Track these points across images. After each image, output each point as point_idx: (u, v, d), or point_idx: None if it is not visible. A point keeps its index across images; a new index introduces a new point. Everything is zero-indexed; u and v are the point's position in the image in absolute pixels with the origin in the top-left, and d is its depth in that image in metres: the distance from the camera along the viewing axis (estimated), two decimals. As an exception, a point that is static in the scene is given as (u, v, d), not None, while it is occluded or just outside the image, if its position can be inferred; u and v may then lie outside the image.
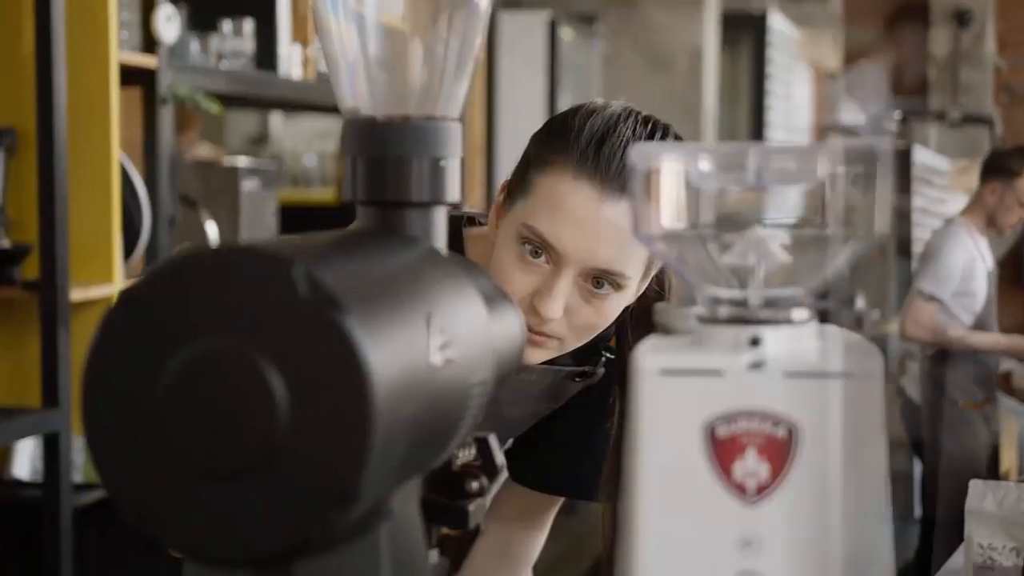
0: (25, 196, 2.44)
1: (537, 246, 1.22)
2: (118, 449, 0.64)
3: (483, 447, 0.88)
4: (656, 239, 0.72)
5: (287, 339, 0.62)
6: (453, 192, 0.84)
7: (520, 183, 1.26)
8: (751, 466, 0.68)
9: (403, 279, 0.72)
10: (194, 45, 2.95)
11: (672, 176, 0.72)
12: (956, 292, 4.28)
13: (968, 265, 4.27)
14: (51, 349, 2.34)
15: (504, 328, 0.87)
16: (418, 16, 0.83)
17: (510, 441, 1.45)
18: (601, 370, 1.40)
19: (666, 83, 5.53)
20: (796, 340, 0.71)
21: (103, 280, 2.52)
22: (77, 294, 2.44)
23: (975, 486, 1.94)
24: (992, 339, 4.42)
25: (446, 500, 0.80)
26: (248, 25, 3.05)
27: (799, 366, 0.69)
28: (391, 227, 0.82)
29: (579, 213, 1.20)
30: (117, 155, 2.53)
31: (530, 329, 1.23)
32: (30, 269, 2.41)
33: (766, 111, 7.59)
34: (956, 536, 4.79)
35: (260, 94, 3.11)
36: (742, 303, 0.72)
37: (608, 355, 1.39)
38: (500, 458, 0.85)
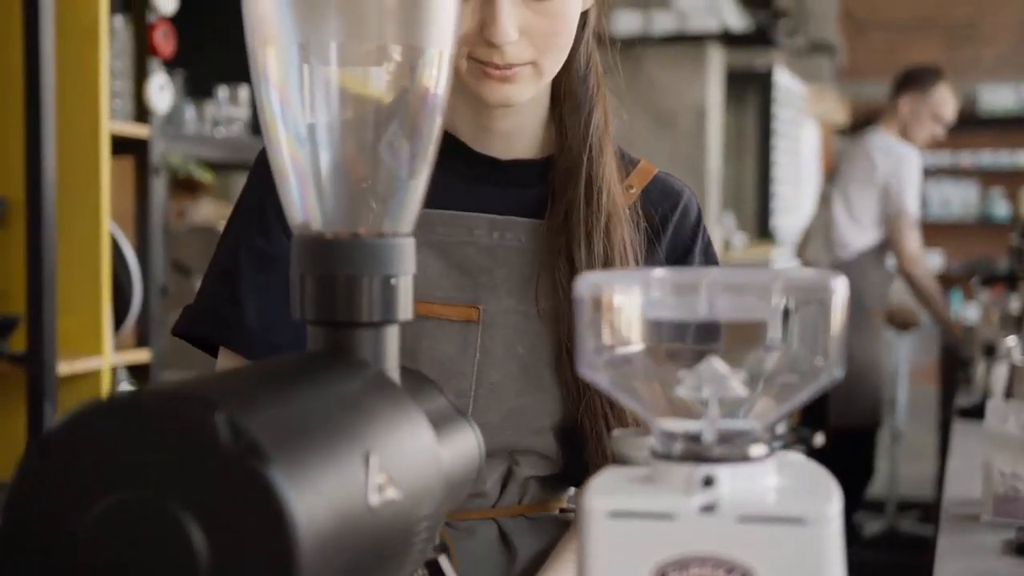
0: (13, 267, 2.42)
1: None
2: (29, 607, 0.61)
3: (434, 570, 0.85)
4: (603, 370, 0.69)
5: (208, 490, 0.59)
6: (406, 310, 0.81)
7: None
8: (701, 620, 0.65)
9: (341, 415, 0.69)
10: (189, 111, 2.95)
11: (620, 306, 0.69)
12: None
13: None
14: (38, 425, 2.31)
15: (457, 450, 0.84)
16: (367, 131, 0.81)
17: None
18: None
19: (671, 141, 5.52)
20: (752, 479, 0.68)
21: (92, 353, 2.50)
22: (65, 367, 2.41)
23: (994, 405, 1.75)
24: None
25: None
26: (243, 91, 3.05)
27: (754, 509, 0.66)
28: (340, 348, 0.80)
29: None
30: (107, 225, 2.51)
31: (495, 66, 1.16)
32: (17, 342, 2.39)
33: (772, 167, 7.57)
34: (850, 451, 4.73)
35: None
36: (696, 437, 0.69)
37: None
38: (451, 578, 0.81)
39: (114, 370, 2.65)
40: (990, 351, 3.26)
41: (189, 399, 0.60)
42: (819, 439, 3.13)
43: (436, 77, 0.81)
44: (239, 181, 3.58)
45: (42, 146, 2.36)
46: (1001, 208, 10.26)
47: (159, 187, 2.67)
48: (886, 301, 4.64)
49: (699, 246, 1.30)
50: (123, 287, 2.57)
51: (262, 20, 0.79)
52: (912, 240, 4.39)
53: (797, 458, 0.77)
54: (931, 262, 10.34)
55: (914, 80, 4.60)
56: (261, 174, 1.24)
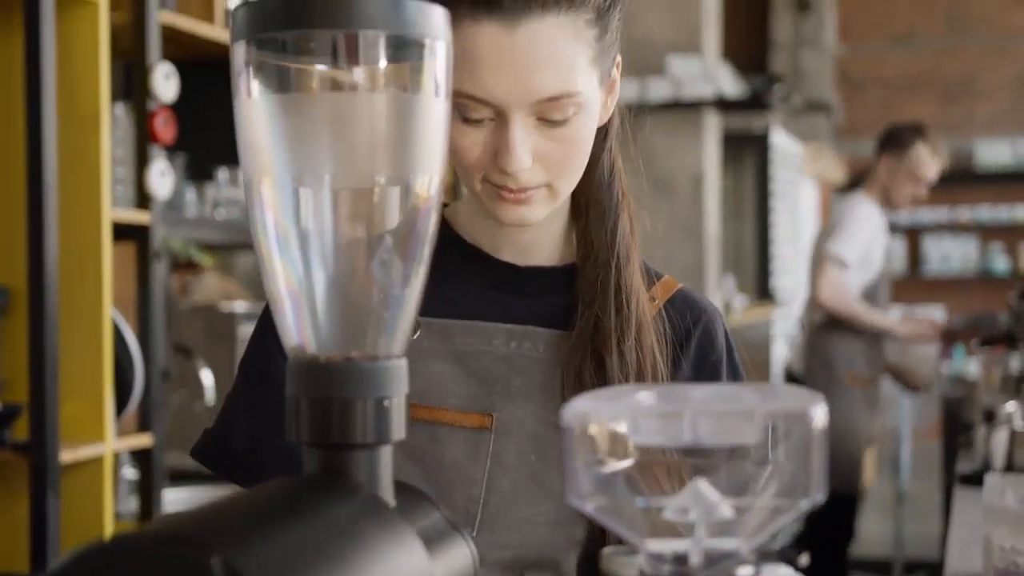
0: (16, 355, 2.44)
1: (472, 108, 1.13)
2: None
3: None
4: (590, 496, 0.71)
5: (205, 631, 0.61)
6: (399, 430, 0.83)
7: None
8: None
9: (334, 545, 0.71)
10: (190, 194, 2.98)
11: (607, 433, 0.71)
12: (859, 261, 4.36)
13: (872, 235, 4.38)
14: (40, 514, 2.32)
15: (450, 567, 0.85)
16: (360, 257, 0.83)
17: None
18: None
19: (669, 207, 5.55)
20: (739, 601, 0.69)
21: (95, 439, 2.51)
22: (68, 455, 2.42)
23: (992, 480, 1.76)
24: (892, 321, 4.48)
25: None
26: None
27: (741, 632, 0.67)
28: (335, 469, 0.81)
29: (491, 54, 1.10)
30: (109, 312, 2.53)
31: (510, 190, 1.15)
32: (19, 429, 2.41)
33: (771, 227, 7.61)
34: (828, 515, 4.68)
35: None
36: (684, 559, 0.71)
37: None
38: None
39: (116, 456, 2.66)
40: (989, 417, 3.26)
41: (185, 542, 0.62)
42: (804, 559, 3.12)
43: (427, 201, 0.84)
44: (240, 259, 3.61)
45: (44, 235, 2.39)
46: (1001, 263, 10.30)
47: (160, 272, 2.70)
48: (868, 364, 4.56)
49: (725, 367, 1.29)
50: (125, 372, 2.59)
51: (256, 152, 0.81)
52: (827, 276, 4.35)
53: (785, 573, 0.79)
54: (932, 317, 10.33)
55: (892, 140, 4.59)
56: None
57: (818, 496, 0.70)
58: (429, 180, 0.83)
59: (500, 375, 1.21)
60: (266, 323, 1.27)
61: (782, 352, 7.67)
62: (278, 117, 0.81)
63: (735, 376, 1.30)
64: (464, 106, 1.13)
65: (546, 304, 1.26)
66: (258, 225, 0.83)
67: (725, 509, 0.70)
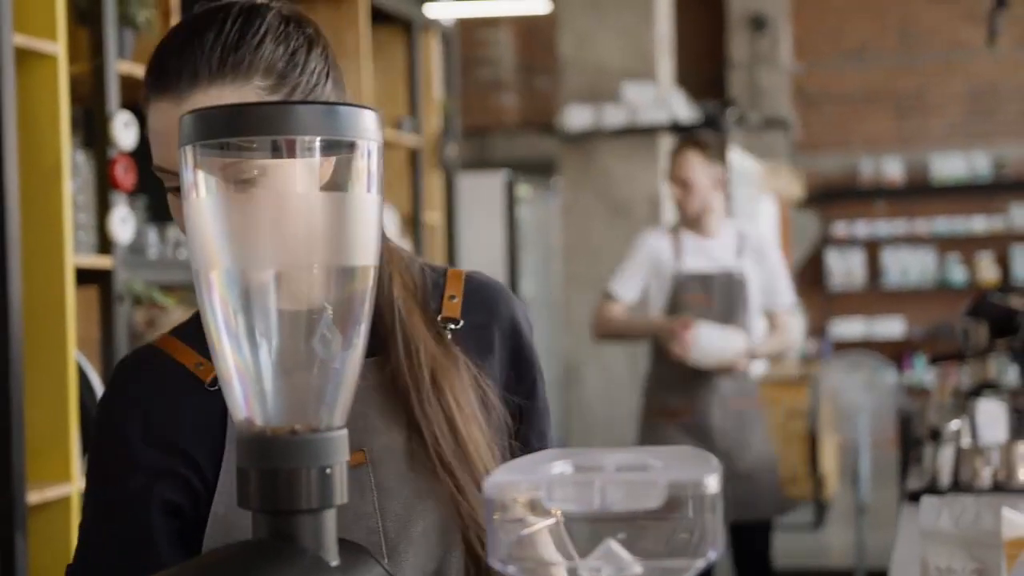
0: (-18, 400, 2.49)
1: (168, 179, 1.20)
2: None
3: None
4: (511, 560, 0.78)
5: None
6: (341, 495, 0.90)
7: None
8: None
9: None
10: (152, 236, 3.04)
11: (524, 502, 0.78)
12: (644, 291, 4.15)
13: (652, 265, 4.11)
14: (8, 555, 2.37)
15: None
16: (300, 338, 0.91)
17: None
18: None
19: (626, 229, 5.65)
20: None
21: (61, 480, 2.57)
22: (35, 496, 2.48)
23: (928, 503, 1.81)
24: (643, 319, 4.18)
25: None
26: (204, 213, 3.15)
27: None
28: (282, 534, 0.89)
29: (166, 127, 1.18)
30: (73, 356, 2.59)
31: None
32: (-14, 473, 2.46)
33: (730, 245, 7.70)
34: (751, 540, 4.64)
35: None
36: (597, 615, 0.78)
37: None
38: None
39: (82, 496, 2.72)
40: (936, 434, 3.35)
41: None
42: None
43: (363, 283, 0.92)
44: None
45: (8, 281, 2.45)
46: (958, 273, 10.46)
47: (123, 315, 2.76)
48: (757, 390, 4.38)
49: (526, 340, 1.35)
50: (90, 414, 2.65)
51: (204, 247, 0.89)
52: (600, 308, 4.16)
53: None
54: (892, 328, 10.52)
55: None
56: (107, 423, 1.27)
57: (713, 554, 0.78)
58: (364, 265, 0.91)
59: (356, 411, 1.26)
60: (109, 439, 1.27)
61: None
62: (223, 214, 0.88)
63: (533, 353, 1.36)
64: (163, 178, 1.22)
65: None
66: (207, 310, 0.91)
67: (635, 567, 0.78)
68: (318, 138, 0.87)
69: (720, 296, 4.11)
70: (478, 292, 1.34)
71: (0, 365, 2.45)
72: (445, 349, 1.28)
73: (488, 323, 1.33)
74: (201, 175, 0.89)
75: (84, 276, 2.71)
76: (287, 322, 0.90)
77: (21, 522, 2.41)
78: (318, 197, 0.88)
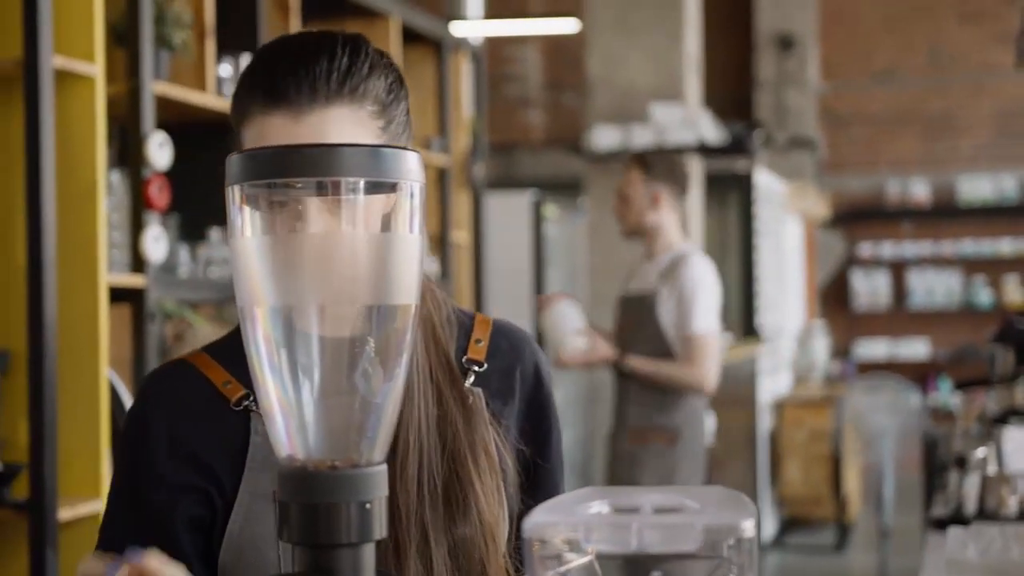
0: (16, 416, 2.52)
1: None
2: None
3: None
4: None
5: None
6: (380, 530, 0.92)
7: None
8: None
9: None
10: (184, 254, 3.07)
11: (563, 542, 0.80)
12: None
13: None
14: (39, 571, 2.40)
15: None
16: (342, 375, 0.92)
17: None
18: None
19: (652, 249, 5.65)
20: None
21: (92, 496, 2.59)
22: (66, 512, 2.51)
23: (955, 534, 1.84)
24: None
25: None
26: (235, 232, 3.18)
27: None
28: (321, 568, 0.90)
29: (277, 143, 1.17)
30: (106, 373, 2.62)
31: None
32: (19, 488, 2.49)
33: (755, 265, 7.72)
34: None
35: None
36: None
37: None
38: None
39: (113, 511, 2.74)
40: (962, 462, 3.33)
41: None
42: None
43: (405, 321, 0.93)
44: (231, 310, 3.70)
45: (43, 299, 2.48)
46: (984, 296, 10.41)
47: (154, 333, 2.79)
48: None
49: (546, 392, 1.36)
50: (121, 430, 2.67)
51: (250, 284, 0.91)
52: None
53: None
54: (917, 350, 10.50)
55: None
56: (135, 434, 1.28)
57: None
58: (406, 303, 0.93)
59: None
60: (136, 445, 1.28)
61: (769, 388, 7.76)
62: (269, 253, 0.90)
63: (551, 406, 1.37)
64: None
65: None
66: (251, 345, 0.93)
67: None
68: (362, 179, 0.89)
69: (632, 317, 4.04)
70: (504, 338, 1.36)
71: (34, 382, 2.48)
72: (460, 393, 1.29)
73: (511, 370, 1.34)
74: (248, 214, 0.91)
75: (116, 294, 2.74)
76: (329, 357, 0.92)
77: (52, 539, 2.44)
78: (362, 237, 0.90)
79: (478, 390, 1.30)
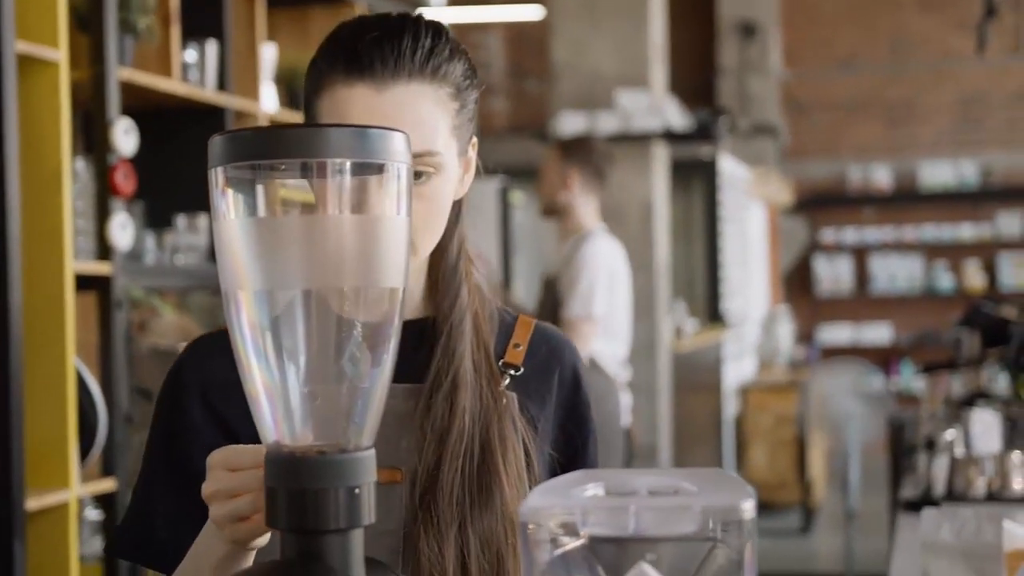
0: (-18, 406, 2.49)
1: None
2: None
3: None
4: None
5: None
6: (369, 515, 0.91)
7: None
8: None
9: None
10: (150, 241, 3.04)
11: (559, 525, 0.79)
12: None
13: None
14: (7, 563, 2.37)
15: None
16: (329, 361, 0.91)
17: None
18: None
19: (620, 236, 5.65)
20: None
21: (60, 486, 2.56)
22: (33, 503, 2.48)
23: (929, 515, 1.82)
24: None
25: None
26: (202, 220, 3.15)
27: None
28: (310, 554, 0.89)
29: (363, 113, 1.18)
30: (72, 361, 2.59)
31: None
32: (-15, 480, 2.45)
33: (720, 251, 7.74)
34: None
35: (214, 285, 3.20)
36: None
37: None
38: None
39: (80, 501, 2.72)
40: (930, 444, 3.36)
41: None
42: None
43: (391, 304, 0.92)
44: (198, 300, 3.67)
45: (9, 287, 2.44)
46: (945, 280, 10.49)
47: (121, 320, 2.76)
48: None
49: (584, 397, 1.36)
50: (88, 419, 2.64)
51: (234, 266, 0.89)
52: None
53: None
54: (879, 334, 10.58)
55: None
56: (171, 392, 1.29)
57: (746, 578, 0.78)
58: (393, 286, 0.91)
59: (395, 432, 1.24)
60: (172, 403, 1.29)
61: (734, 373, 7.80)
62: (253, 236, 0.89)
63: (589, 411, 1.37)
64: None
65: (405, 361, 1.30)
66: (235, 330, 0.91)
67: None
68: (348, 160, 0.88)
69: (544, 298, 4.08)
70: (544, 342, 1.35)
71: (1, 371, 2.44)
72: (495, 390, 1.27)
73: (549, 373, 1.34)
74: (231, 196, 0.89)
75: (83, 282, 2.71)
76: (315, 342, 0.90)
77: (20, 529, 2.40)
78: (348, 219, 0.88)
79: (512, 394, 1.29)
